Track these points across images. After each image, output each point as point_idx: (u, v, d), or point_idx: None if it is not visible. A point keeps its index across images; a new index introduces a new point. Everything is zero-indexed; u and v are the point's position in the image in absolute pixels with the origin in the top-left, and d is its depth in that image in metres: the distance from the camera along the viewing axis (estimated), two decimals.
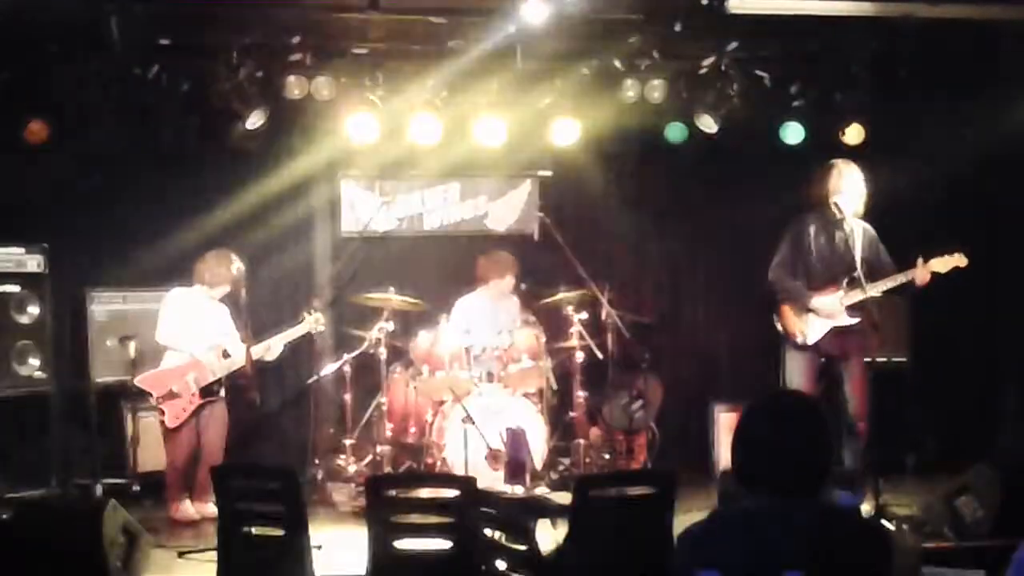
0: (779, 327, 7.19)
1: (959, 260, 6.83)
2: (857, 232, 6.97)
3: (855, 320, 6.93)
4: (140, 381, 7.26)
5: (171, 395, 7.20)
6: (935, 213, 8.42)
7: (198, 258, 7.50)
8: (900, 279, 6.81)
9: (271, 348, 7.46)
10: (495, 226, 9.18)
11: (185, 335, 7.34)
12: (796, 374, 7.11)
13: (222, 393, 7.42)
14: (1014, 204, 8.33)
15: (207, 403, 7.33)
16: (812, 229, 7.08)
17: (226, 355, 7.38)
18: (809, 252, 7.07)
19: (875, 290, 6.81)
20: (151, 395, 7.22)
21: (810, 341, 7.05)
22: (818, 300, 7.01)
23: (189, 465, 7.32)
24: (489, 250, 8.50)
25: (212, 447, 7.37)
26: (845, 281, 6.93)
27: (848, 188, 6.91)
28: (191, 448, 7.32)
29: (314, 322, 7.63)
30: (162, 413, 7.21)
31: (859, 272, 6.75)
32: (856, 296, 6.86)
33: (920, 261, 6.80)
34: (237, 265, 7.48)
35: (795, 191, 7.36)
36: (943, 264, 6.83)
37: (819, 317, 7.02)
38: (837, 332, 7.00)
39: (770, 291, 7.24)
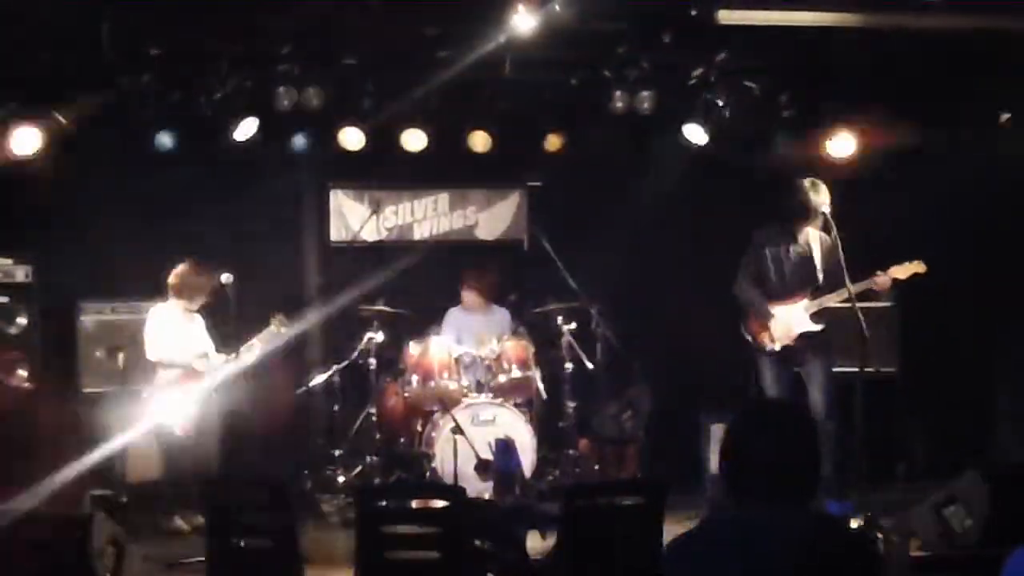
0: (748, 337, 7.29)
1: (918, 267, 6.93)
2: (816, 242, 7.11)
3: (820, 327, 7.04)
4: None
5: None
6: (925, 223, 8.43)
7: (171, 272, 7.44)
8: (861, 286, 6.79)
9: (253, 347, 7.43)
10: (485, 236, 9.19)
11: (174, 349, 7.36)
12: (771, 382, 7.21)
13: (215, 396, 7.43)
14: (1004, 215, 8.35)
15: (204, 411, 7.35)
16: (773, 242, 7.21)
17: (211, 363, 7.39)
18: (771, 264, 7.20)
19: (836, 298, 6.89)
20: None
21: (778, 347, 7.13)
22: (781, 310, 7.11)
23: (187, 476, 7.30)
24: (474, 263, 8.49)
25: (208, 457, 7.41)
26: (809, 291, 7.06)
27: (825, 200, 6.96)
28: (193, 458, 7.32)
29: (278, 323, 7.48)
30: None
31: (821, 281, 7.00)
32: (817, 305, 7.00)
33: (879, 272, 6.88)
34: (213, 272, 7.35)
35: (783, 202, 7.37)
36: (903, 271, 6.93)
37: (784, 326, 7.10)
38: (802, 338, 7.08)
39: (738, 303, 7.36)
